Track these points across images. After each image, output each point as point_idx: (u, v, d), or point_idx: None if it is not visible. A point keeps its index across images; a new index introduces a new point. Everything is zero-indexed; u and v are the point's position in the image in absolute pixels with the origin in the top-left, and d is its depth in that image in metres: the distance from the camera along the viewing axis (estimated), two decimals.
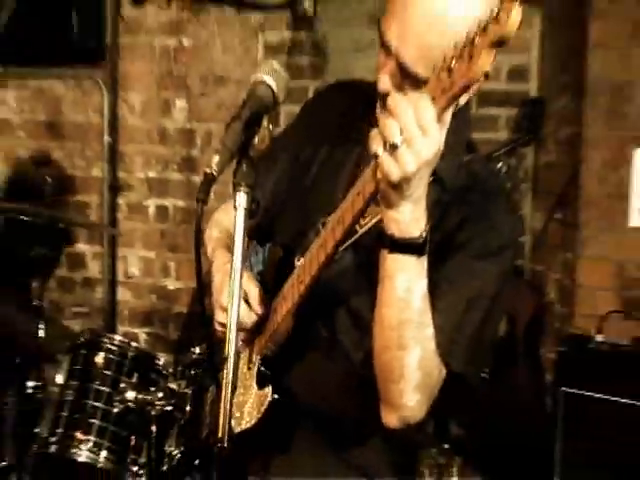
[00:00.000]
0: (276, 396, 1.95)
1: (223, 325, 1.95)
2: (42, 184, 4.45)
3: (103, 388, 3.14)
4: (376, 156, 1.53)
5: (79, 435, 3.08)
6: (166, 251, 4.58)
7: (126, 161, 4.63)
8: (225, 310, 1.86)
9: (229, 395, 1.67)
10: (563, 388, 3.37)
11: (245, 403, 2.03)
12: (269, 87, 1.69)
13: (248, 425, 1.97)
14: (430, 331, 1.74)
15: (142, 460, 3.11)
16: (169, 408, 3.03)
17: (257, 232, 2.20)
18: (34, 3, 3.07)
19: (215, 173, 1.63)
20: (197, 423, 2.54)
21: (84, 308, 4.69)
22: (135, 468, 3.11)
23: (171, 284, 4.55)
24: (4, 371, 3.54)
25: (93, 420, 3.10)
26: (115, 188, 4.62)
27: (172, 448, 3.00)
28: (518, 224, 2.06)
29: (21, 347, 3.54)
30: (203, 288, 1.92)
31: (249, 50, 4.45)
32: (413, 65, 1.74)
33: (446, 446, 3.84)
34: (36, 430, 3.18)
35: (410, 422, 1.83)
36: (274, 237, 2.21)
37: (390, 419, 1.85)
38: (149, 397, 3.05)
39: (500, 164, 3.58)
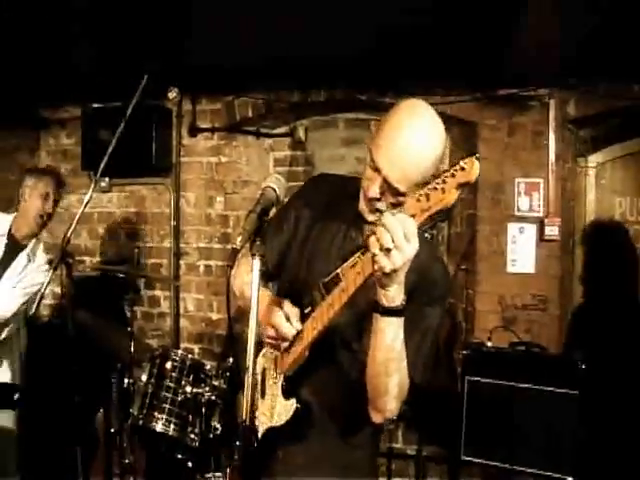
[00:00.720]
0: (298, 405, 1.88)
1: (272, 338, 1.89)
2: (133, 253, 4.49)
3: (171, 384, 3.26)
4: (374, 255, 1.53)
5: (156, 414, 3.22)
6: (210, 294, 4.59)
7: (185, 237, 4.67)
8: (273, 327, 1.85)
9: (250, 392, 1.67)
10: (467, 377, 3.36)
11: (274, 407, 1.93)
12: (274, 190, 1.77)
13: (278, 424, 1.90)
14: (404, 362, 1.75)
15: (196, 430, 3.23)
16: (213, 397, 3.20)
17: (268, 276, 2.06)
18: (128, 136, 3.20)
19: (239, 247, 1.69)
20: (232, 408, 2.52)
21: (159, 332, 4.72)
22: (192, 436, 3.22)
23: (214, 316, 4.55)
24: (110, 373, 3.58)
25: (165, 405, 3.23)
26: (178, 254, 4.67)
27: (215, 423, 3.22)
28: (449, 277, 2.04)
29: (120, 358, 3.57)
30: (230, 319, 1.84)
31: (264, 163, 4.54)
32: (396, 182, 1.73)
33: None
34: (130, 410, 3.31)
35: (389, 418, 1.87)
36: (281, 283, 2.08)
37: (377, 418, 1.87)
38: (200, 390, 3.23)
39: (427, 234, 3.64)
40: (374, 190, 1.78)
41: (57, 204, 3.56)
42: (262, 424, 1.95)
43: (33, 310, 3.31)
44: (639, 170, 4.09)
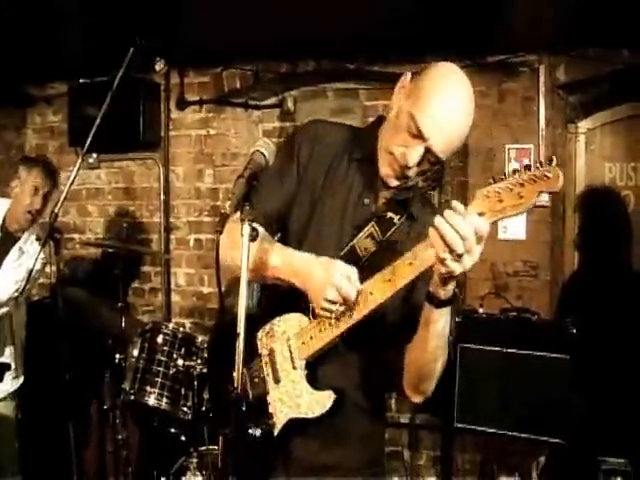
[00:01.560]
0: (336, 396, 1.74)
1: (330, 301, 1.65)
2: (122, 228, 4.48)
3: (162, 358, 3.24)
4: (442, 259, 1.44)
5: (148, 388, 3.20)
6: (201, 268, 4.57)
7: (174, 211, 4.65)
8: (334, 287, 1.63)
9: (240, 360, 1.59)
10: (459, 344, 3.34)
11: (299, 397, 1.75)
12: (263, 154, 1.70)
13: (312, 415, 1.74)
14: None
15: (189, 403, 3.21)
16: (205, 370, 3.16)
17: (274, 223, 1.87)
18: (116, 111, 3.17)
19: (228, 213, 1.64)
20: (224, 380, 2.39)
21: (150, 307, 4.71)
22: (184, 409, 3.20)
23: (205, 289, 4.54)
24: (101, 349, 3.57)
25: (157, 379, 3.20)
26: (168, 229, 4.65)
27: (207, 396, 3.15)
28: None
29: (111, 333, 3.56)
30: (220, 291, 1.69)
31: (252, 135, 4.48)
32: (440, 152, 1.67)
33: None
34: (122, 385, 3.27)
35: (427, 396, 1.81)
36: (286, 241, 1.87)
37: (417, 399, 1.81)
38: (192, 363, 3.21)
39: None
40: (414, 158, 1.67)
41: (48, 198, 3.46)
42: (281, 412, 1.77)
43: (21, 289, 3.30)
44: (628, 136, 4.03)
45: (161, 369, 3.22)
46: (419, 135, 1.65)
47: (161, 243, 4.65)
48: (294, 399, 1.77)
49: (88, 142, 3.03)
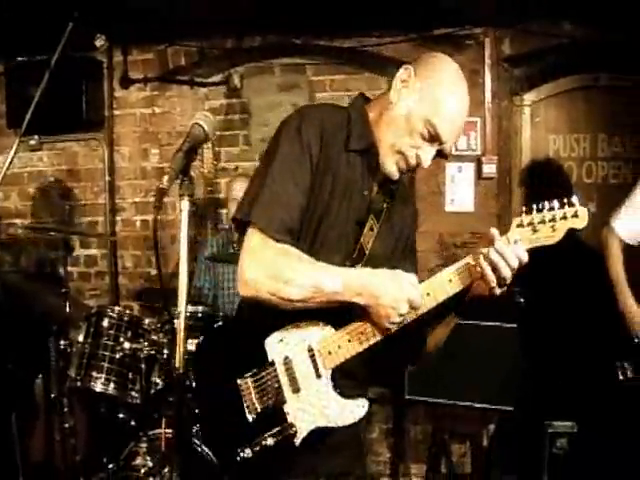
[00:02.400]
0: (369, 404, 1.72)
1: (402, 315, 1.61)
2: (65, 211, 4.40)
3: (108, 342, 3.15)
4: (492, 287, 1.59)
5: (94, 374, 3.11)
6: (148, 249, 4.48)
7: (120, 192, 4.55)
8: (409, 301, 1.60)
9: (182, 339, 1.60)
10: None
11: (326, 407, 1.68)
12: (201, 127, 1.66)
13: (343, 424, 1.69)
14: None
15: (137, 388, 3.12)
16: (153, 352, 3.09)
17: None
18: (57, 90, 3.08)
19: (166, 187, 1.59)
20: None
21: (97, 291, 4.61)
22: (133, 393, 3.12)
23: (153, 271, 4.46)
24: (45, 336, 3.44)
25: (103, 363, 3.12)
26: (113, 210, 4.56)
27: (156, 379, 3.10)
28: None
29: (56, 319, 3.45)
30: (160, 272, 1.71)
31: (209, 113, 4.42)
32: (450, 149, 1.72)
33: None
34: (68, 372, 3.19)
35: None
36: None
37: None
38: (139, 346, 3.11)
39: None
40: (428, 160, 1.70)
41: None
42: (304, 422, 1.69)
43: None
44: (572, 108, 4.09)
45: (107, 353, 3.15)
46: (436, 139, 1.67)
47: (107, 225, 4.55)
48: (320, 409, 1.70)
49: (25, 123, 2.92)
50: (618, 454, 2.96)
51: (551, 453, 2.99)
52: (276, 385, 1.70)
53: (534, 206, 1.59)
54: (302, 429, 1.69)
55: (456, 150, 3.84)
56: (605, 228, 2.95)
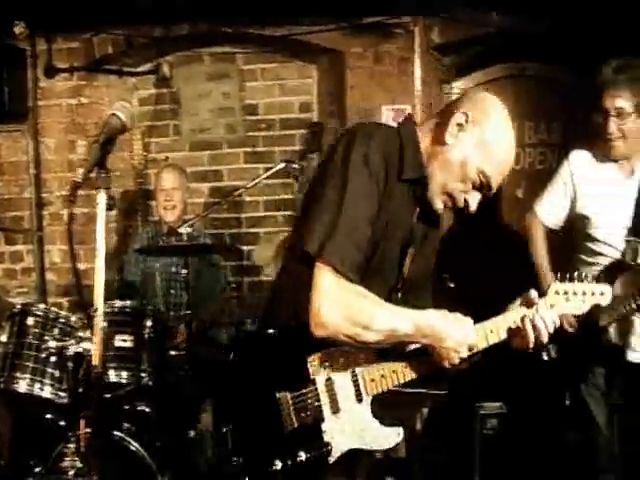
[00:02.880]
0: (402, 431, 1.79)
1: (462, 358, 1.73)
2: None
3: (33, 341, 3.00)
4: (529, 347, 1.71)
5: (18, 374, 2.97)
6: (76, 244, 4.32)
7: (46, 185, 4.42)
8: (470, 347, 1.72)
9: (99, 334, 1.65)
10: None
11: (364, 430, 1.75)
12: (119, 118, 1.69)
13: (376, 448, 1.77)
14: None
15: (64, 387, 2.98)
16: (80, 350, 3.01)
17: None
18: None
19: (79, 181, 1.62)
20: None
21: (24, 289, 4.47)
22: (60, 393, 2.98)
23: (82, 266, 4.13)
24: None
25: (28, 363, 2.97)
26: (40, 204, 4.43)
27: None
28: None
29: None
30: (74, 264, 1.70)
31: (127, 103, 4.32)
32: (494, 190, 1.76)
33: None
34: None
35: None
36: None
37: None
38: (66, 344, 2.94)
39: (295, 165, 3.48)
40: (474, 204, 1.74)
41: None
42: (341, 442, 1.73)
43: None
44: (500, 96, 3.89)
45: (32, 353, 2.99)
46: (485, 188, 1.73)
47: (33, 220, 4.41)
48: (358, 432, 1.75)
49: None
50: (544, 433, 3.03)
51: (482, 434, 3.05)
52: (316, 404, 1.73)
53: (567, 275, 1.75)
54: (337, 449, 1.73)
55: None
56: (529, 213, 3.00)
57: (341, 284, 1.61)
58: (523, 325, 1.72)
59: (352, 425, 1.74)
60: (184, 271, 3.13)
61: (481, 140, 1.69)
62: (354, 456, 1.77)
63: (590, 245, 2.77)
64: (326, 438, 1.72)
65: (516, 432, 3.08)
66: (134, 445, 2.89)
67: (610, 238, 2.71)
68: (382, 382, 1.74)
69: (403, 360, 1.76)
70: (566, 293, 1.74)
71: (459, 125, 1.71)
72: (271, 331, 1.77)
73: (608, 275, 2.69)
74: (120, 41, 4.23)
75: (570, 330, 2.49)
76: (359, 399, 1.74)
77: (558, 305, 1.74)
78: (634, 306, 2.61)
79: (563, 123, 4.19)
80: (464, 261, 3.50)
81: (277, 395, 1.70)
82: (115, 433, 2.89)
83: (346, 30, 3.93)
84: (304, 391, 1.71)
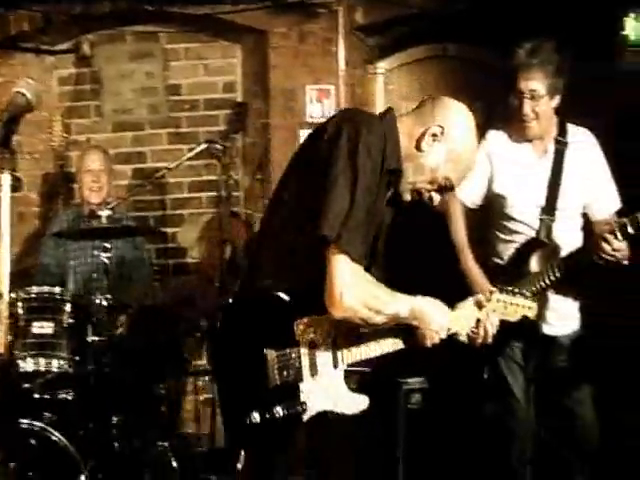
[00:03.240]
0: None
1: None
2: None
3: None
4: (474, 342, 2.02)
5: None
6: None
7: None
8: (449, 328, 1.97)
9: (5, 324, 1.66)
10: None
11: (337, 395, 1.90)
12: (24, 95, 1.64)
13: (346, 412, 1.92)
14: None
15: None
16: None
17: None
18: None
19: None
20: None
21: None
22: None
23: None
24: None
25: None
26: None
27: None
28: None
29: None
30: None
31: (45, 83, 4.12)
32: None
33: None
34: None
35: None
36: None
37: None
38: None
39: (218, 146, 3.40)
40: (437, 201, 1.98)
41: None
42: (316, 403, 1.87)
43: None
44: (423, 77, 4.17)
45: None
46: (450, 188, 1.98)
47: None
48: (331, 396, 1.89)
49: None
50: (464, 406, 3.09)
51: (407, 409, 3.09)
52: (297, 365, 1.87)
53: (507, 288, 2.05)
54: (311, 409, 1.87)
55: (310, 117, 3.84)
56: (447, 192, 3.02)
57: (356, 271, 1.77)
58: (477, 325, 2.00)
59: (327, 388, 1.89)
60: (104, 255, 3.04)
61: (452, 151, 1.92)
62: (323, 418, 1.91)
63: (506, 223, 2.81)
64: (303, 398, 1.86)
65: (438, 406, 3.12)
66: (56, 435, 2.81)
67: (525, 217, 2.75)
68: (357, 353, 1.92)
69: (378, 335, 1.94)
70: (505, 302, 2.02)
71: (434, 136, 1.90)
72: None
73: (524, 252, 2.76)
74: (37, 18, 4.04)
75: None
76: (335, 365, 1.90)
77: (498, 312, 2.02)
78: (548, 282, 2.68)
79: (486, 103, 4.22)
80: (391, 242, 3.51)
81: (265, 351, 1.83)
82: (35, 423, 2.81)
83: (270, 10, 3.87)
84: (288, 351, 1.86)
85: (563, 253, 2.70)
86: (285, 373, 1.85)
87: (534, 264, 2.73)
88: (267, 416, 1.81)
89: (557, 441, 3.57)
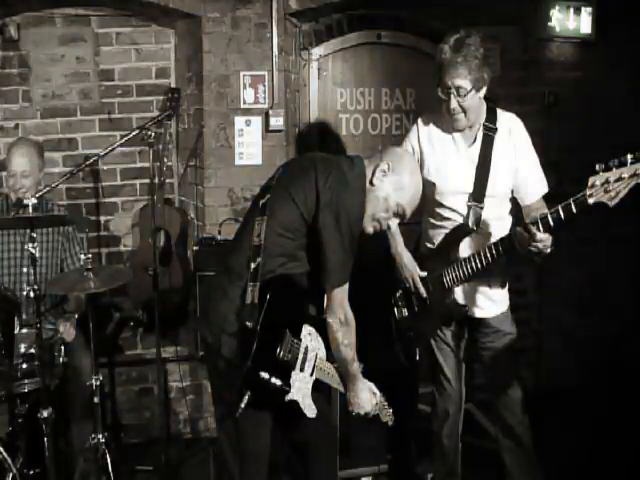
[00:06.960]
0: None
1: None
2: None
3: None
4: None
5: None
6: None
7: None
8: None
9: None
10: (198, 272, 3.27)
11: (305, 395, 2.30)
12: None
13: (303, 409, 2.29)
14: None
15: None
16: None
17: None
18: None
19: None
20: None
21: None
22: None
23: None
24: None
25: None
26: None
27: None
28: None
29: None
30: None
31: None
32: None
33: None
34: None
35: None
36: None
37: None
38: None
39: (150, 133, 3.14)
40: (393, 226, 2.44)
41: None
42: (294, 390, 2.24)
43: None
44: (357, 63, 4.05)
45: None
46: (403, 215, 2.35)
47: None
48: (302, 392, 2.28)
49: None
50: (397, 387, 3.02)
51: (341, 393, 2.99)
52: (296, 355, 2.24)
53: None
54: (292, 394, 2.24)
55: (244, 104, 3.66)
56: None
57: (345, 298, 2.29)
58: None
59: (302, 386, 2.27)
60: (31, 245, 2.81)
61: (398, 181, 2.30)
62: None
63: (437, 210, 2.72)
64: (290, 381, 2.23)
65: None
66: None
67: (454, 203, 2.67)
68: (325, 376, 2.39)
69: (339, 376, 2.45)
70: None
71: (383, 171, 2.28)
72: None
73: (453, 238, 2.69)
74: None
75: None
76: (311, 374, 2.31)
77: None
78: (476, 267, 2.62)
79: (417, 90, 4.15)
80: None
81: (286, 331, 2.19)
82: None
83: None
84: (296, 341, 2.24)
85: (492, 239, 2.63)
86: (290, 355, 2.21)
87: (463, 250, 2.67)
88: (268, 378, 2.13)
89: (486, 418, 3.62)
